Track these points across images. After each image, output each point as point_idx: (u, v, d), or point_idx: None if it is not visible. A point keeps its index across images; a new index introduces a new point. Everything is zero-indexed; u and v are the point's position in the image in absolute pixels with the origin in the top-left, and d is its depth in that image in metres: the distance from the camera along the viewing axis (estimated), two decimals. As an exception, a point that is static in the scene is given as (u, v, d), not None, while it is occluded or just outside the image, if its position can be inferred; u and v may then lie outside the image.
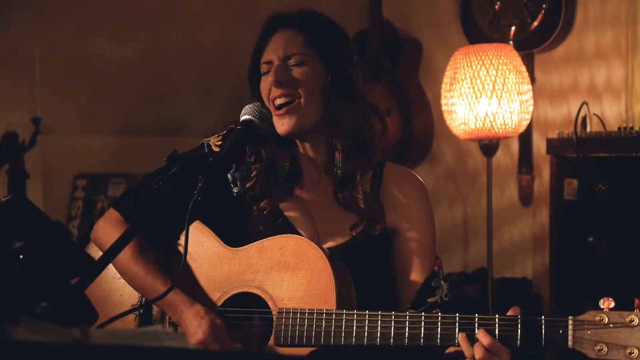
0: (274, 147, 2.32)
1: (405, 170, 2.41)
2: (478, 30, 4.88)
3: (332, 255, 2.20)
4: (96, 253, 2.37)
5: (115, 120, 5.23)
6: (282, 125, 2.25)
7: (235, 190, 2.36)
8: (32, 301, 1.67)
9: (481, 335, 2.00)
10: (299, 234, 2.29)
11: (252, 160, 2.33)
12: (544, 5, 4.68)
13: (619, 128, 4.06)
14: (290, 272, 2.19)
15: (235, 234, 2.30)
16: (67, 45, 5.11)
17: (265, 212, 2.29)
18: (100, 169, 5.15)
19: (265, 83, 2.28)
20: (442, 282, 2.32)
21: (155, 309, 2.33)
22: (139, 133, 5.24)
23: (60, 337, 1.30)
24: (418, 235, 2.32)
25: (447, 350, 2.17)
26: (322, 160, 2.33)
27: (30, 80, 5.05)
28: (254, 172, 2.32)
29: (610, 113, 4.50)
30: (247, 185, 2.33)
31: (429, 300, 2.28)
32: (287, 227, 2.30)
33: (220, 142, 2.37)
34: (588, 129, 4.21)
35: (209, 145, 2.38)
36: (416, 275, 2.30)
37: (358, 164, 2.30)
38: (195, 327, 2.17)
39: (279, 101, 2.25)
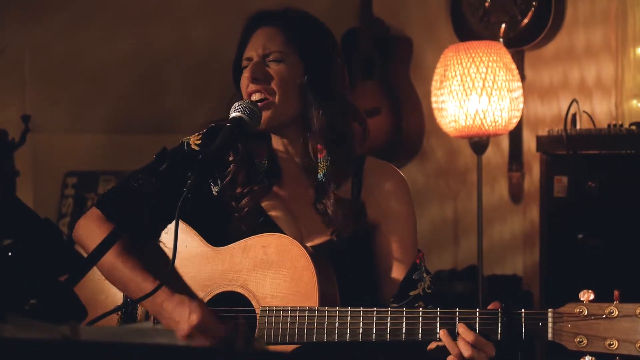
0: (252, 143, 2.33)
1: (386, 164, 2.40)
2: (468, 28, 4.89)
3: (315, 253, 2.20)
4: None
5: (105, 118, 5.22)
6: None
7: (216, 190, 2.36)
8: (21, 299, 1.67)
9: (463, 330, 2.01)
10: (282, 232, 2.29)
11: (230, 159, 2.33)
12: (534, 3, 4.69)
13: (609, 125, 4.07)
14: (273, 271, 2.19)
15: (218, 233, 2.30)
16: (57, 43, 5.09)
17: (245, 210, 2.30)
18: (91, 167, 5.14)
19: (244, 79, 2.29)
20: (425, 275, 2.32)
21: (139, 309, 2.32)
22: (129, 131, 5.23)
23: (50, 334, 1.30)
24: (399, 229, 2.33)
25: (429, 347, 2.17)
26: (301, 157, 2.33)
27: (20, 77, 5.04)
28: (231, 168, 2.33)
29: (600, 110, 4.51)
30: (224, 182, 2.33)
31: (411, 293, 2.28)
32: (270, 226, 2.31)
33: (200, 141, 2.37)
34: (578, 127, 4.22)
35: (188, 144, 2.39)
36: (398, 269, 2.31)
37: (337, 168, 2.30)
38: (186, 314, 2.16)
39: (255, 97, 2.26)
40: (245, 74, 2.28)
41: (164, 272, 2.20)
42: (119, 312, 2.33)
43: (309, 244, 2.27)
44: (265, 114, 2.25)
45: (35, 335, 1.29)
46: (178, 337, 2.12)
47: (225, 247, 2.26)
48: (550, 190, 4.12)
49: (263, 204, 2.33)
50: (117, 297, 2.34)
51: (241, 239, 2.25)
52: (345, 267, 2.26)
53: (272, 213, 2.33)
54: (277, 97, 2.26)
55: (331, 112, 2.29)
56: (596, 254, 3.95)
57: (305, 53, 2.30)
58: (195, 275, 2.27)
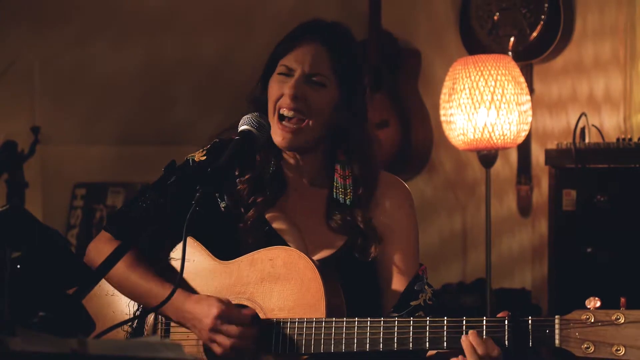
0: (260, 154, 2.32)
1: (390, 176, 2.41)
2: (477, 41, 4.89)
3: (322, 266, 2.20)
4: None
5: (114, 130, 5.24)
6: (282, 138, 2.26)
7: (223, 205, 2.35)
8: (29, 311, 1.67)
9: (473, 337, 2.01)
10: (287, 244, 2.29)
11: (237, 173, 2.33)
12: (542, 16, 4.69)
13: (618, 139, 4.06)
14: (280, 283, 2.19)
15: (225, 247, 2.29)
16: (67, 55, 5.11)
17: (249, 222, 2.29)
18: (100, 178, 5.15)
19: (279, 87, 2.26)
20: (426, 287, 2.31)
21: (147, 324, 2.32)
22: (138, 142, 5.24)
23: (58, 347, 1.30)
24: (402, 242, 2.33)
25: (429, 353, 2.17)
26: (311, 172, 2.34)
27: (30, 89, 5.06)
28: (244, 186, 2.32)
29: (609, 124, 4.51)
30: (232, 197, 2.32)
31: (412, 303, 2.28)
32: (276, 239, 2.30)
33: (205, 157, 2.37)
34: (587, 140, 4.21)
35: (193, 161, 2.38)
36: (399, 280, 2.30)
37: (368, 183, 2.32)
38: (205, 308, 2.16)
39: (287, 113, 2.25)
40: (285, 89, 2.25)
41: (180, 276, 2.21)
42: (127, 326, 2.32)
43: (314, 258, 2.27)
44: (293, 136, 2.25)
45: (44, 348, 1.29)
46: (204, 332, 2.12)
47: (233, 260, 2.26)
48: (558, 204, 4.11)
49: (268, 217, 2.33)
50: (124, 312, 2.34)
51: (248, 252, 2.25)
52: (351, 279, 2.26)
53: (277, 225, 2.33)
54: (310, 121, 2.25)
55: (361, 132, 2.32)
56: (605, 267, 3.94)
57: (345, 79, 2.29)
58: (203, 290, 2.27)
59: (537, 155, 4.75)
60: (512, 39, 4.72)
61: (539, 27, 4.70)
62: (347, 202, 2.30)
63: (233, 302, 2.23)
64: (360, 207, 2.30)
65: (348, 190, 2.30)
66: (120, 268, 2.25)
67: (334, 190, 2.31)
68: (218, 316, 2.15)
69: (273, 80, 2.30)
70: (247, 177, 2.32)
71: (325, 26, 2.33)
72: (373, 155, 2.35)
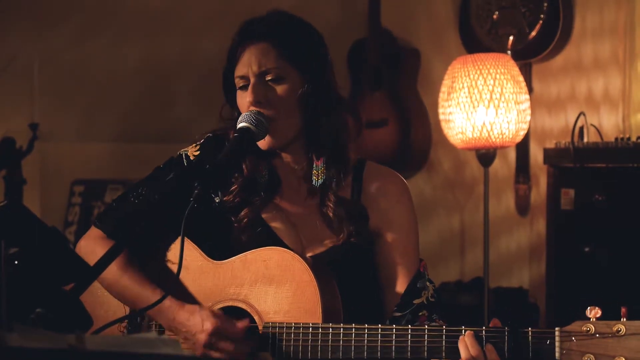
0: (253, 157, 2.29)
1: (386, 169, 2.37)
2: (476, 40, 4.89)
3: (317, 265, 2.18)
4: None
5: (113, 127, 5.24)
6: (263, 141, 2.24)
7: (217, 200, 2.32)
8: (27, 307, 1.67)
9: (469, 339, 2.00)
10: (282, 242, 2.27)
11: (233, 171, 2.30)
12: (542, 15, 4.69)
13: (616, 139, 4.06)
14: (275, 285, 2.17)
15: (217, 246, 2.27)
16: (66, 52, 5.11)
17: (244, 221, 2.27)
18: (98, 175, 5.15)
19: (243, 99, 2.25)
20: (428, 283, 2.29)
21: (145, 320, 2.31)
22: (136, 139, 5.24)
23: (55, 343, 1.30)
24: (401, 236, 2.30)
25: None
26: (302, 168, 2.30)
27: (29, 86, 5.06)
28: (235, 186, 2.30)
29: (608, 123, 4.51)
30: (225, 197, 2.30)
31: (415, 301, 2.26)
32: (270, 237, 2.28)
33: (198, 152, 2.35)
34: (585, 139, 4.21)
35: (187, 156, 2.36)
36: (401, 277, 2.28)
37: (337, 170, 2.28)
38: (199, 322, 2.14)
39: None
40: (247, 98, 2.22)
41: (168, 284, 2.20)
42: (123, 327, 2.31)
43: (309, 254, 2.26)
44: (271, 136, 2.23)
45: (41, 344, 1.30)
46: (198, 348, 2.12)
47: (226, 261, 2.24)
48: (557, 203, 4.12)
49: (263, 215, 2.31)
50: (117, 311, 2.31)
51: (242, 251, 2.23)
52: (348, 275, 2.24)
53: (272, 224, 2.30)
54: (282, 118, 2.22)
55: (333, 114, 2.27)
56: (603, 266, 3.94)
57: (301, 62, 2.25)
58: (196, 290, 2.25)
59: (536, 155, 4.76)
60: (511, 38, 4.72)
61: (538, 26, 4.70)
62: (319, 182, 2.27)
63: (228, 304, 2.21)
64: (337, 188, 2.27)
65: (319, 171, 2.27)
66: (112, 270, 2.22)
67: (313, 177, 2.28)
68: (212, 332, 2.13)
69: (238, 96, 2.28)
70: (241, 175, 2.31)
71: (258, 22, 2.29)
72: (342, 133, 2.29)
